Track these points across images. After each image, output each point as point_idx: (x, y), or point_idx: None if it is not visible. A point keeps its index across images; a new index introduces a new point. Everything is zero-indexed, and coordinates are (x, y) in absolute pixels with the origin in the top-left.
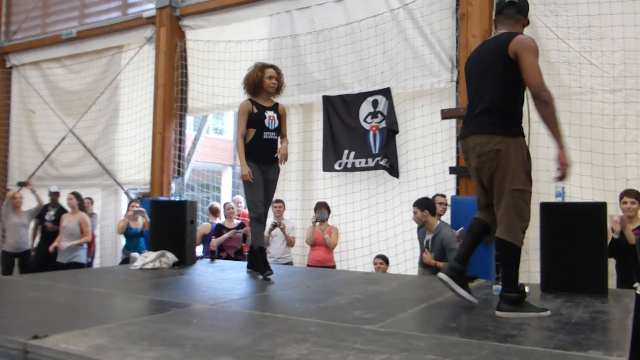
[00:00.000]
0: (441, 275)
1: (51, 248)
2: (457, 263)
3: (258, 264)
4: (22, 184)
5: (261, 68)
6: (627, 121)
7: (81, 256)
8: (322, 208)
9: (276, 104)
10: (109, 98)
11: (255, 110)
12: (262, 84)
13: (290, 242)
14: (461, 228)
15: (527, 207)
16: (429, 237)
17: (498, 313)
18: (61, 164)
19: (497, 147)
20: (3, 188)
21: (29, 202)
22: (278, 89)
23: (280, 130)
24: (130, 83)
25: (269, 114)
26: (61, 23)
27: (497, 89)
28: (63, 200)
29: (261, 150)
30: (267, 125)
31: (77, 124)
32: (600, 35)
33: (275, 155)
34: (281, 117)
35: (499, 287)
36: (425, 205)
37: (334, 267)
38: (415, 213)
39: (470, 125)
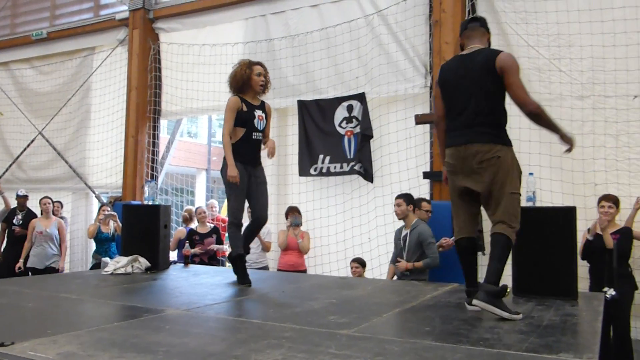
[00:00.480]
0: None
1: (16, 268)
2: (472, 288)
3: (236, 271)
4: None
5: (249, 65)
6: (595, 127)
7: (58, 261)
8: (295, 212)
9: (263, 103)
10: (80, 100)
11: (244, 109)
12: (250, 81)
13: (265, 247)
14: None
15: (520, 210)
16: (405, 232)
17: (475, 302)
18: (30, 166)
19: (498, 154)
20: None
21: None
22: (265, 87)
23: (264, 131)
24: (102, 85)
25: (258, 113)
26: (31, 24)
27: (490, 103)
28: (30, 204)
29: (249, 151)
30: (256, 125)
31: (47, 127)
32: (569, 43)
33: (264, 148)
34: (267, 117)
35: None
36: (411, 200)
37: (304, 271)
38: (399, 205)
39: (469, 134)
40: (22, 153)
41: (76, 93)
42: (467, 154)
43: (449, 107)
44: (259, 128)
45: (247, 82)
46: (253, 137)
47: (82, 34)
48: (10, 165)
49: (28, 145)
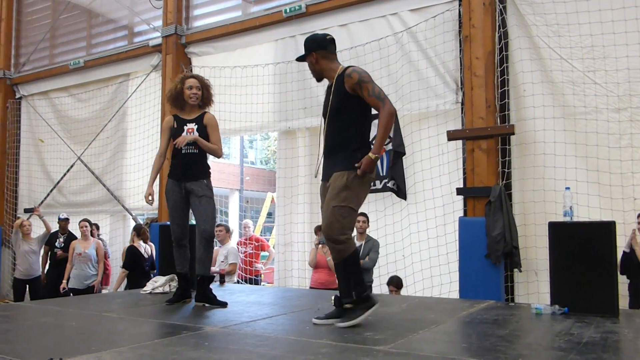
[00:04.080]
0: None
1: (61, 289)
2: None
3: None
4: (28, 211)
5: (182, 79)
6: (633, 140)
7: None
8: None
9: (202, 115)
10: (116, 125)
11: (175, 126)
12: (182, 95)
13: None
14: None
15: None
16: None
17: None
18: (69, 191)
19: None
20: (13, 216)
21: (39, 230)
22: (200, 100)
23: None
24: (137, 110)
25: (189, 126)
26: (69, 53)
27: None
28: (71, 227)
29: (179, 165)
30: None
31: (85, 152)
32: (603, 54)
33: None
34: (207, 127)
35: (540, 306)
36: None
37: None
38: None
39: None
40: (62, 178)
41: (112, 118)
42: None
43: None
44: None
45: (179, 96)
46: (182, 152)
47: (117, 62)
48: (51, 191)
49: (68, 171)
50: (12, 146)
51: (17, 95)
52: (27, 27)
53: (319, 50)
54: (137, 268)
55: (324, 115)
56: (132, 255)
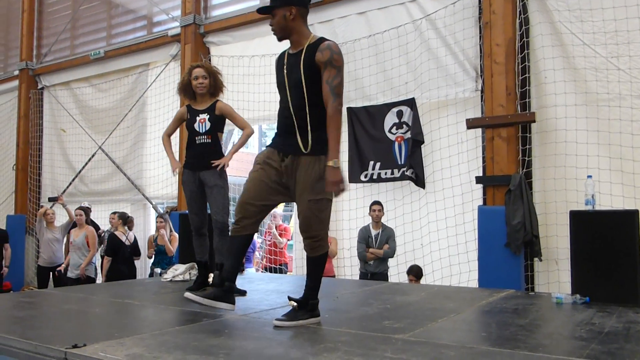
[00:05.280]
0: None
1: (59, 269)
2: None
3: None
4: (52, 200)
5: (189, 70)
6: None
7: (90, 270)
8: None
9: (214, 104)
10: (136, 115)
11: (188, 116)
12: (190, 87)
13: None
14: None
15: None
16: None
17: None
18: (91, 180)
19: None
20: (37, 205)
21: (63, 218)
22: (208, 88)
23: (213, 132)
24: (157, 100)
25: (201, 117)
26: (89, 44)
27: None
28: (93, 216)
29: (193, 156)
30: (197, 129)
31: (106, 141)
32: (627, 39)
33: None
34: (225, 116)
35: (561, 295)
36: None
37: (333, 276)
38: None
39: None
40: (83, 167)
41: (132, 108)
42: None
43: None
44: (200, 131)
45: (188, 88)
46: (196, 142)
47: (136, 52)
48: (73, 180)
49: (89, 160)
50: (35, 136)
51: (39, 86)
52: (48, 18)
53: (299, 7)
54: (117, 255)
55: (285, 86)
56: (112, 243)
